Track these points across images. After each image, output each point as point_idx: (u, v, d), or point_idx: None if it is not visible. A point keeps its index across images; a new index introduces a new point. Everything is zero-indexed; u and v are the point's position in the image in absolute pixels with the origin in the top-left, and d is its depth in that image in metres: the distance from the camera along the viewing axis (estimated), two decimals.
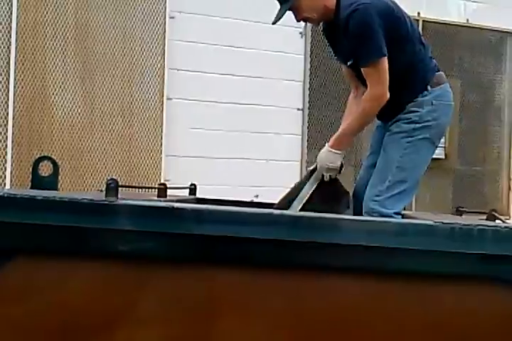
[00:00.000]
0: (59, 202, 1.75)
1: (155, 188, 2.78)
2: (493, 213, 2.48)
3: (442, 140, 7.01)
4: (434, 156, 7.29)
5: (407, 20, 3.00)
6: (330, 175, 2.94)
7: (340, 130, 3.02)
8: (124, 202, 1.79)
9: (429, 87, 3.00)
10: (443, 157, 7.14)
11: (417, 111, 2.97)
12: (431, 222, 1.83)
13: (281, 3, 2.97)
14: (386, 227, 1.83)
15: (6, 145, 5.34)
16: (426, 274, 1.81)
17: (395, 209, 2.89)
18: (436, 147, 3.11)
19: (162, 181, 5.39)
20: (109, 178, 1.91)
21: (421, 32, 6.81)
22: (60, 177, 2.48)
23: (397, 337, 1.84)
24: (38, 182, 2.37)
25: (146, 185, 5.04)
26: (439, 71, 3.08)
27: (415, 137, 2.95)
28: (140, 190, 3.28)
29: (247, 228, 1.78)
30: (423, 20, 6.95)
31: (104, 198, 1.83)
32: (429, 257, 1.79)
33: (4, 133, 5.35)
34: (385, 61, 2.88)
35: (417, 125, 2.95)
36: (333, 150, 2.94)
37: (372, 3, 2.87)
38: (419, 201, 7.00)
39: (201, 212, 1.80)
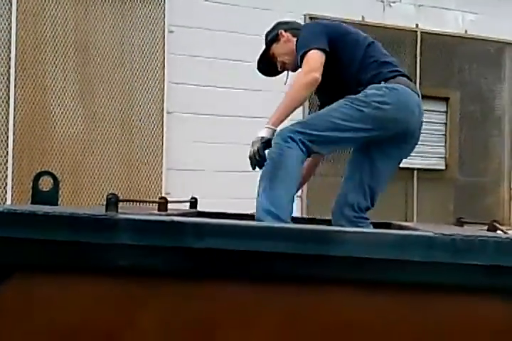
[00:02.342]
0: (59, 217, 1.75)
1: (156, 202, 2.79)
2: (495, 224, 2.47)
3: (442, 150, 7.08)
4: (434, 167, 7.28)
5: (360, 37, 3.17)
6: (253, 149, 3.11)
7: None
8: (124, 216, 1.79)
9: (382, 82, 3.00)
10: (443, 167, 7.15)
11: (365, 92, 2.97)
12: (431, 234, 1.82)
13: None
14: (386, 239, 1.83)
15: (7, 161, 5.35)
16: (426, 286, 1.80)
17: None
18: (372, 133, 2.95)
19: (163, 195, 5.39)
20: (109, 193, 1.92)
21: (419, 43, 6.91)
22: (60, 192, 2.48)
23: None
24: (38, 197, 2.37)
25: (147, 199, 5.04)
26: (403, 76, 3.08)
27: (354, 104, 2.93)
28: (141, 203, 3.28)
29: (249, 241, 1.78)
30: (421, 32, 6.98)
31: (104, 212, 1.83)
32: (429, 269, 1.78)
33: (5, 149, 5.36)
34: (317, 53, 2.97)
35: (360, 98, 2.94)
36: (265, 126, 3.12)
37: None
38: (420, 212, 7.00)
39: (202, 226, 1.80)
